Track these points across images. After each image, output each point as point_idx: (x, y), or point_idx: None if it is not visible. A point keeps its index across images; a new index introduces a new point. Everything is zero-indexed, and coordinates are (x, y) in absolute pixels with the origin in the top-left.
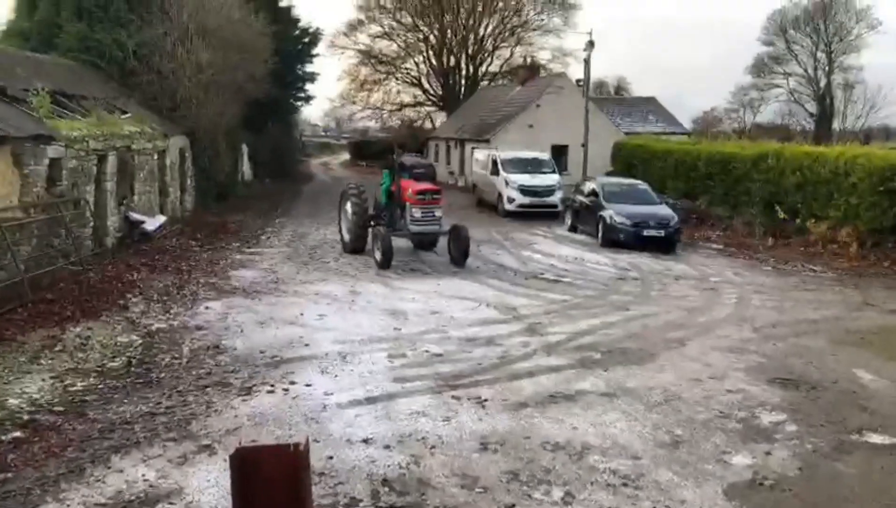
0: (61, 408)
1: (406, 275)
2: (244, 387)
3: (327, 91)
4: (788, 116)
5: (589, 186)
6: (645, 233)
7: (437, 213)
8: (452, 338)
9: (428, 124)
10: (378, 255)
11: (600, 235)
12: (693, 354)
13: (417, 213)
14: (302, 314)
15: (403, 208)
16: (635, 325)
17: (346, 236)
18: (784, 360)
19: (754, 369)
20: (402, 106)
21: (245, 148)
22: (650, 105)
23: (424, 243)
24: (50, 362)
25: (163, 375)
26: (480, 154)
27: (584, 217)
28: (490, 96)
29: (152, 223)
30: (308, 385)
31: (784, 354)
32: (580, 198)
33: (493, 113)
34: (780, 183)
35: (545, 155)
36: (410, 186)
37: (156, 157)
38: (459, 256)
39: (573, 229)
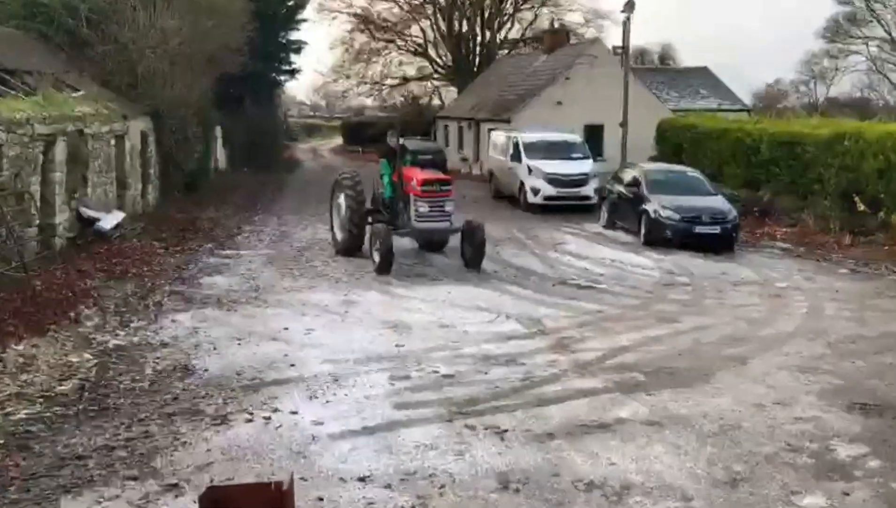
0: (1, 441)
1: (410, 281)
2: (218, 415)
3: (316, 63)
4: (868, 89)
5: (629, 173)
6: (696, 230)
7: (448, 207)
8: (465, 356)
9: (436, 101)
10: (377, 257)
11: (643, 232)
12: (755, 374)
13: (423, 207)
14: (286, 329)
15: (407, 202)
16: (685, 340)
17: (339, 235)
18: (864, 381)
19: (829, 392)
20: (406, 80)
21: (219, 131)
22: (702, 77)
23: (432, 242)
24: None
25: (121, 401)
26: (499, 137)
27: (624, 211)
28: (510, 68)
29: (109, 221)
30: (294, 413)
31: (865, 374)
32: (619, 188)
33: (514, 87)
34: (859, 169)
35: (576, 137)
36: (415, 176)
37: (113, 142)
38: (473, 258)
39: (610, 225)
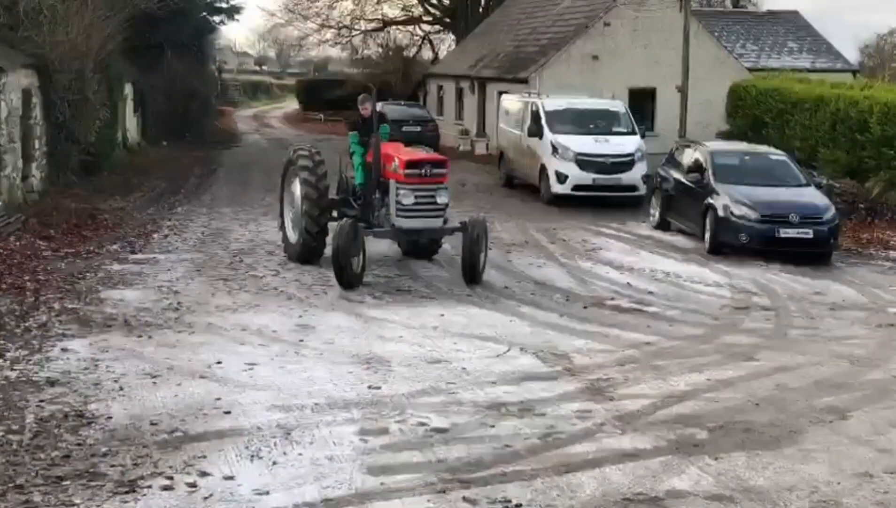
0: None
1: (388, 299)
2: (124, 481)
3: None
4: None
5: (690, 155)
6: (781, 233)
7: (441, 198)
8: (464, 403)
9: (427, 54)
10: (343, 265)
11: (708, 235)
12: (859, 432)
13: (408, 198)
14: (219, 363)
15: (385, 191)
16: (765, 385)
17: (292, 235)
18: None
19: None
20: (386, 24)
21: (130, 91)
22: (791, 25)
23: (419, 246)
24: None
25: None
26: (512, 103)
27: (682, 207)
28: (528, 10)
29: None
30: (228, 478)
31: None
32: (675, 175)
33: (534, 37)
34: None
35: (618, 105)
36: (397, 155)
37: None
38: (475, 268)
39: (663, 225)
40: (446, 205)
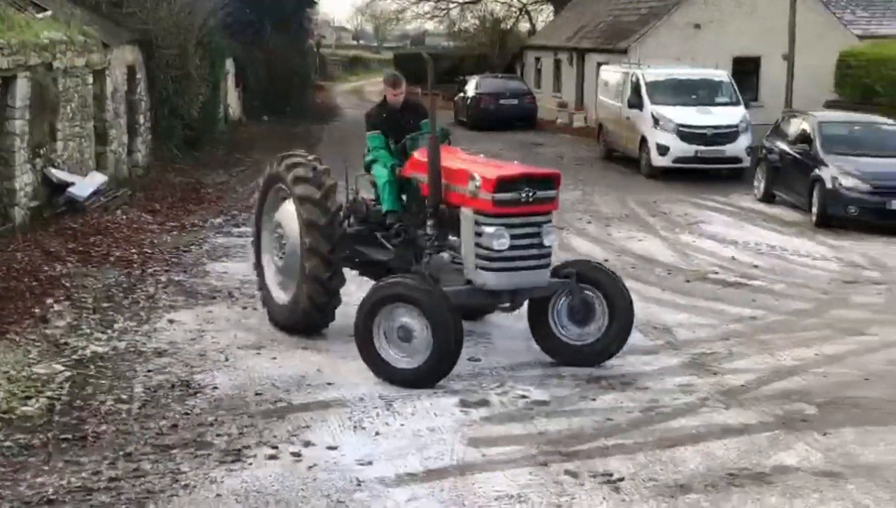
0: None
1: None
2: (230, 450)
3: None
4: None
5: (797, 126)
6: (893, 205)
7: (548, 239)
8: (565, 376)
9: (524, 26)
10: (445, 371)
11: (815, 208)
12: None
13: (499, 239)
14: (322, 334)
15: (449, 223)
16: (875, 360)
17: (281, 292)
18: None
19: None
20: None
21: (231, 67)
22: None
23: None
24: None
25: (103, 428)
26: (612, 74)
27: (789, 178)
28: None
29: (85, 187)
30: (332, 448)
31: None
32: (781, 146)
33: (634, 6)
34: None
35: (721, 74)
36: (475, 167)
37: (91, 80)
38: (611, 345)
39: (768, 197)
40: (552, 246)
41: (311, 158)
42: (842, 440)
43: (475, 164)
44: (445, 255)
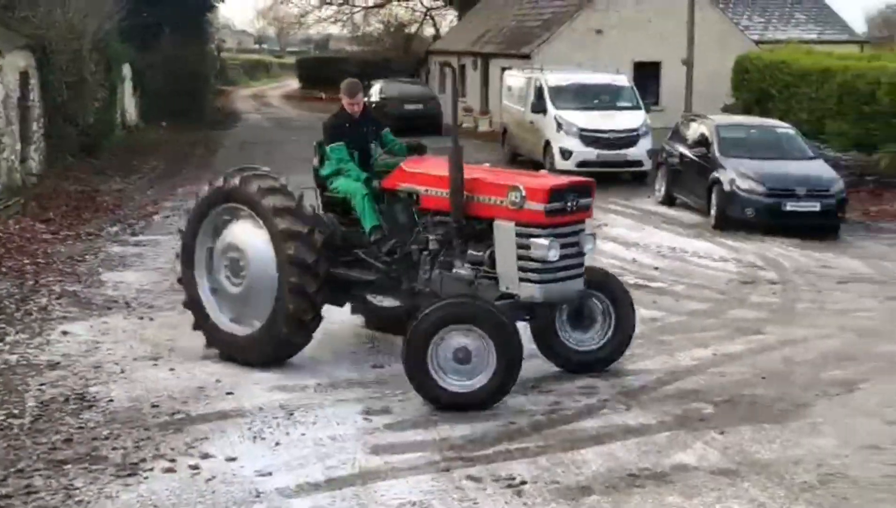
0: None
1: None
2: (126, 464)
3: None
4: None
5: (696, 129)
6: (788, 207)
7: (587, 246)
8: None
9: (428, 30)
10: (500, 396)
11: (714, 210)
12: (868, 405)
13: (553, 250)
14: None
15: (477, 238)
16: (772, 358)
17: (228, 324)
18: None
19: None
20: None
21: (128, 72)
22: None
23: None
24: None
25: None
26: (516, 79)
27: (688, 181)
28: None
29: None
30: (231, 460)
31: None
32: (681, 150)
33: (536, 11)
34: None
35: (622, 79)
36: (516, 179)
37: None
38: (616, 349)
39: (668, 200)
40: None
41: (282, 179)
42: (739, 438)
43: (500, 175)
44: (463, 271)
